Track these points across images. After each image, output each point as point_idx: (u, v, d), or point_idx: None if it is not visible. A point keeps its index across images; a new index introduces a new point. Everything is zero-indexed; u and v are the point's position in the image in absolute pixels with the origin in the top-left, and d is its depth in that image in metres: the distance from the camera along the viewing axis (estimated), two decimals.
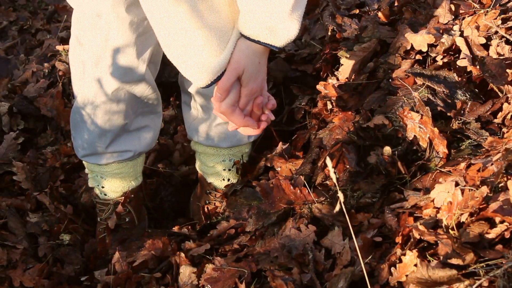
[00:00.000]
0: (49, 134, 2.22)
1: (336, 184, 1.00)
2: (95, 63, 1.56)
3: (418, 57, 1.76)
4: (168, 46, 1.21)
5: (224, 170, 1.83)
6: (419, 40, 1.75)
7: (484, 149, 1.42)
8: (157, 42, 1.62)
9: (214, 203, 1.84)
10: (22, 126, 2.19)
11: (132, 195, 1.78)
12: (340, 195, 0.98)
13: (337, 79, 1.89)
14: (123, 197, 1.76)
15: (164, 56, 1.38)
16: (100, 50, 1.54)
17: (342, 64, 1.88)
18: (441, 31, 1.76)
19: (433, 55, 1.74)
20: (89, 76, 1.58)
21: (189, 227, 1.66)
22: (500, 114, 1.52)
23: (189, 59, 1.20)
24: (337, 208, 1.00)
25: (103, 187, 1.77)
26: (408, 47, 1.79)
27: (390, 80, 1.71)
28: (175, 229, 1.66)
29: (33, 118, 2.24)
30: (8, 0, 3.12)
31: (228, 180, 1.84)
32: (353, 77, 1.86)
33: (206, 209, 1.84)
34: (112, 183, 1.76)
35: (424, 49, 1.74)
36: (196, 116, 1.80)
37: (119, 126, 1.66)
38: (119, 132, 1.67)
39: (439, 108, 1.58)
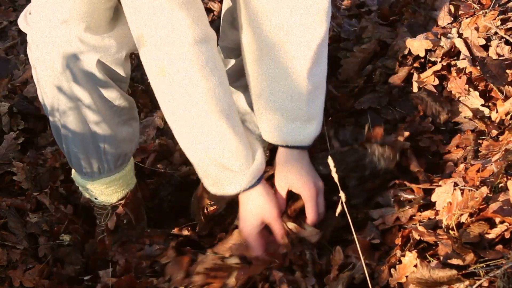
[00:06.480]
0: (49, 134, 2.21)
1: (338, 184, 1.00)
2: None
3: (416, 64, 1.76)
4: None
5: None
6: (416, 45, 1.75)
7: (482, 153, 1.42)
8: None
9: (215, 205, 1.83)
10: (22, 126, 2.18)
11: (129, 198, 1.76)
12: (342, 195, 0.98)
13: (337, 80, 1.89)
14: (119, 202, 1.72)
15: None
16: None
17: (342, 65, 1.88)
18: (439, 36, 1.75)
19: (432, 59, 1.74)
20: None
21: (189, 228, 1.66)
22: (499, 114, 1.52)
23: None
24: (339, 210, 0.99)
25: (96, 198, 1.72)
26: (406, 52, 1.79)
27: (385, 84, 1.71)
28: (175, 230, 1.66)
29: (33, 118, 2.23)
30: (8, 0, 3.11)
31: None
32: (352, 78, 1.86)
33: (206, 211, 1.83)
34: (105, 195, 1.71)
35: (422, 54, 1.74)
36: None
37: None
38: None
39: None
